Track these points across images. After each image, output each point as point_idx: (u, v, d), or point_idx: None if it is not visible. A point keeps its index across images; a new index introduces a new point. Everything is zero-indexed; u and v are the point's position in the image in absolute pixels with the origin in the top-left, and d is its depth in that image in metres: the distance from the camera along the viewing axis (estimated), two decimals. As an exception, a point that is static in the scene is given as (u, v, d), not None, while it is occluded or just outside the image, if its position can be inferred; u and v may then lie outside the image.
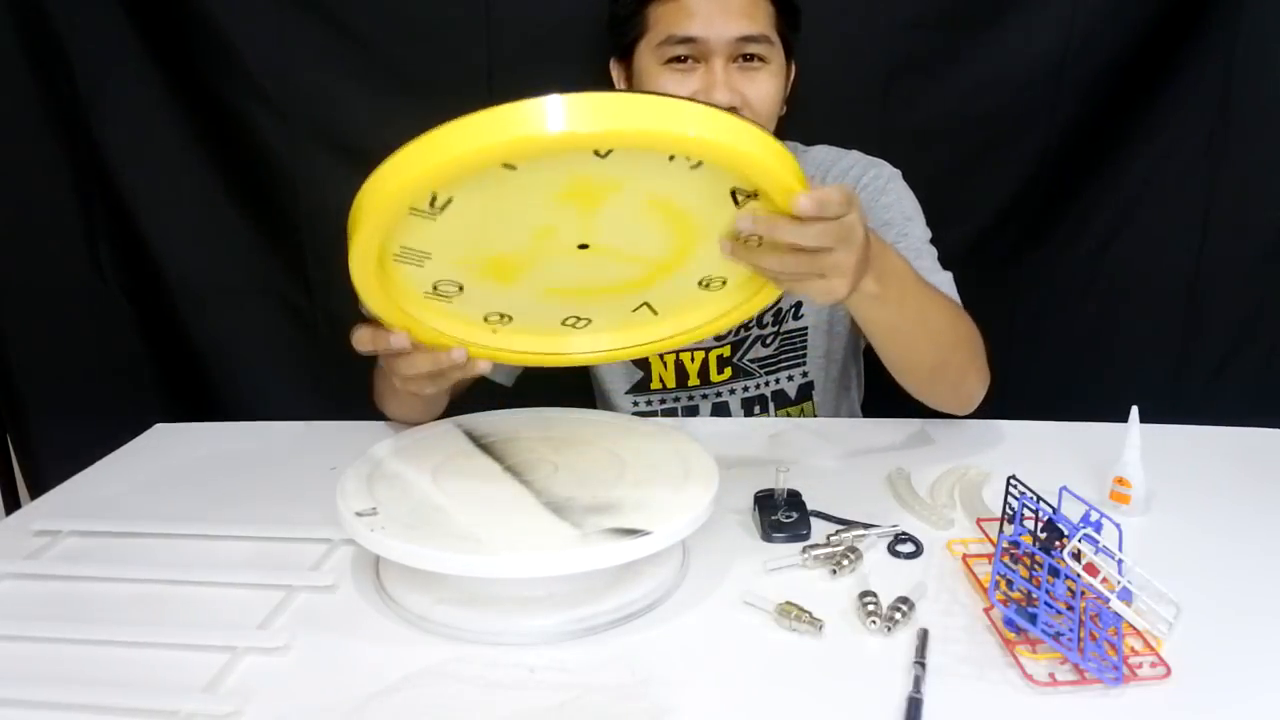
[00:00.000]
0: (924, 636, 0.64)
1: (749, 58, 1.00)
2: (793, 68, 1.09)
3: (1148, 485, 0.82)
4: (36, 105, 1.26)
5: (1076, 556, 0.67)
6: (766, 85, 1.01)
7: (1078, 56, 1.20)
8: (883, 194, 1.08)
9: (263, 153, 1.27)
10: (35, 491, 1.36)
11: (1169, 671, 0.60)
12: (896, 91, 1.23)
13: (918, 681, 0.60)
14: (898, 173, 1.11)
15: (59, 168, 1.29)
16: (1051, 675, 0.60)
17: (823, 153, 1.14)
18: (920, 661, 0.61)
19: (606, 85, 1.17)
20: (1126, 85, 1.23)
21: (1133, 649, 0.62)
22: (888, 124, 1.23)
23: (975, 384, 0.98)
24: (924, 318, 0.88)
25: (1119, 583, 0.65)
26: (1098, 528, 0.72)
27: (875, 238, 0.79)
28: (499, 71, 1.23)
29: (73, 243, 1.32)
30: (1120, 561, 0.70)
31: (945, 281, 1.02)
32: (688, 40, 0.98)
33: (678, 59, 1.00)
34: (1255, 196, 1.26)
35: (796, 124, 1.16)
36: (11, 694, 0.60)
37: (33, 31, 1.24)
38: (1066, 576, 0.66)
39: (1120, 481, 0.83)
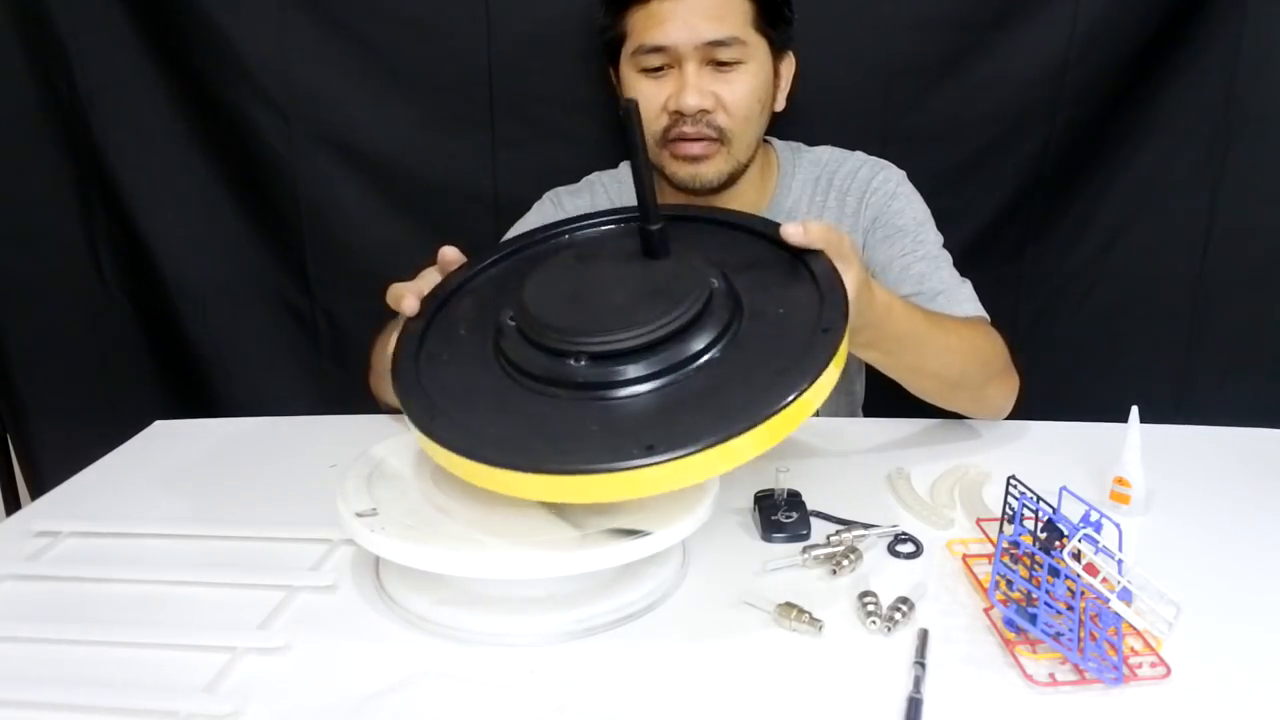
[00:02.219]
0: (924, 636, 0.64)
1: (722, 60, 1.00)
2: (788, 60, 1.08)
3: (1148, 485, 0.82)
4: (37, 105, 1.26)
5: (1076, 556, 0.67)
6: (742, 86, 1.01)
7: (1080, 57, 1.20)
8: (894, 199, 1.08)
9: (263, 153, 1.27)
10: (35, 492, 1.36)
11: (1169, 671, 0.60)
12: (897, 92, 1.23)
13: (918, 681, 0.60)
14: (904, 174, 1.11)
15: (59, 168, 1.29)
16: (1051, 675, 0.60)
17: (826, 153, 1.14)
18: (920, 661, 0.61)
19: (605, 86, 1.17)
20: (1129, 86, 1.23)
21: (1133, 649, 0.62)
22: (889, 124, 1.23)
23: (998, 396, 0.99)
24: (923, 358, 0.88)
25: (1119, 583, 0.65)
26: (1098, 528, 0.71)
27: (878, 299, 0.79)
28: (499, 71, 1.23)
29: (73, 243, 1.32)
30: (1120, 561, 0.70)
31: (968, 295, 1.02)
32: (658, 49, 0.99)
33: (653, 66, 1.01)
34: (1258, 198, 1.26)
35: (797, 124, 1.16)
36: (11, 694, 0.60)
37: (33, 31, 1.24)
38: (1066, 576, 0.66)
39: (1120, 481, 0.83)
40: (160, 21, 1.23)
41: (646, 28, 0.99)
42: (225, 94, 1.25)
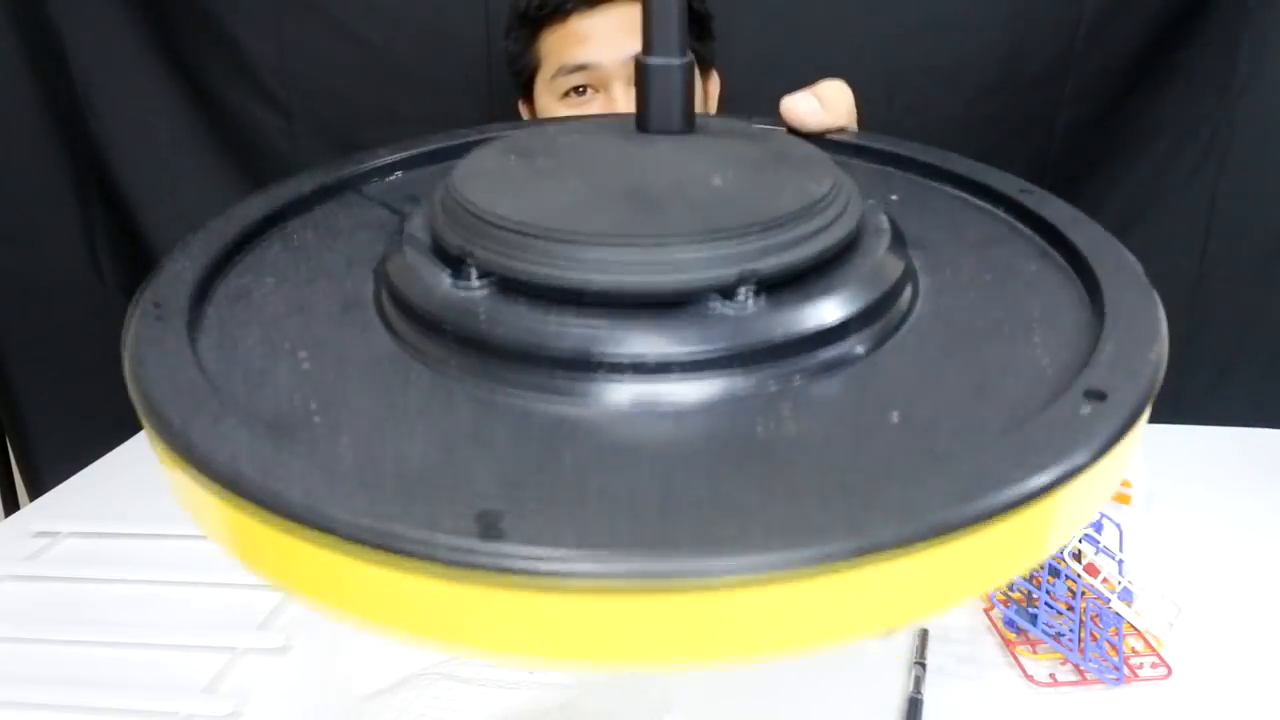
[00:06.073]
0: (924, 636, 0.64)
1: None
2: (714, 79, 1.03)
3: (1148, 485, 0.82)
4: (36, 104, 1.26)
5: (1077, 556, 0.67)
6: None
7: (1081, 60, 1.20)
8: None
9: (263, 152, 1.27)
10: (35, 492, 1.36)
11: (1169, 671, 0.60)
12: (900, 94, 1.23)
13: (918, 681, 0.60)
14: None
15: (57, 167, 1.29)
16: (1052, 675, 0.60)
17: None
18: (920, 661, 0.61)
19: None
20: (1130, 88, 1.23)
21: (1133, 649, 0.62)
22: (891, 126, 1.23)
23: None
24: None
25: (1119, 583, 0.65)
26: (1098, 528, 0.71)
27: None
28: (499, 71, 1.23)
29: (71, 242, 1.32)
30: (1120, 561, 0.70)
31: None
32: (580, 68, 0.92)
33: (575, 89, 0.93)
34: (1258, 198, 1.26)
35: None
36: (11, 694, 0.60)
37: (32, 31, 1.24)
38: (1067, 577, 0.66)
39: (1120, 481, 0.83)
40: (160, 20, 1.23)
41: (565, 47, 0.92)
42: (225, 93, 1.25)
